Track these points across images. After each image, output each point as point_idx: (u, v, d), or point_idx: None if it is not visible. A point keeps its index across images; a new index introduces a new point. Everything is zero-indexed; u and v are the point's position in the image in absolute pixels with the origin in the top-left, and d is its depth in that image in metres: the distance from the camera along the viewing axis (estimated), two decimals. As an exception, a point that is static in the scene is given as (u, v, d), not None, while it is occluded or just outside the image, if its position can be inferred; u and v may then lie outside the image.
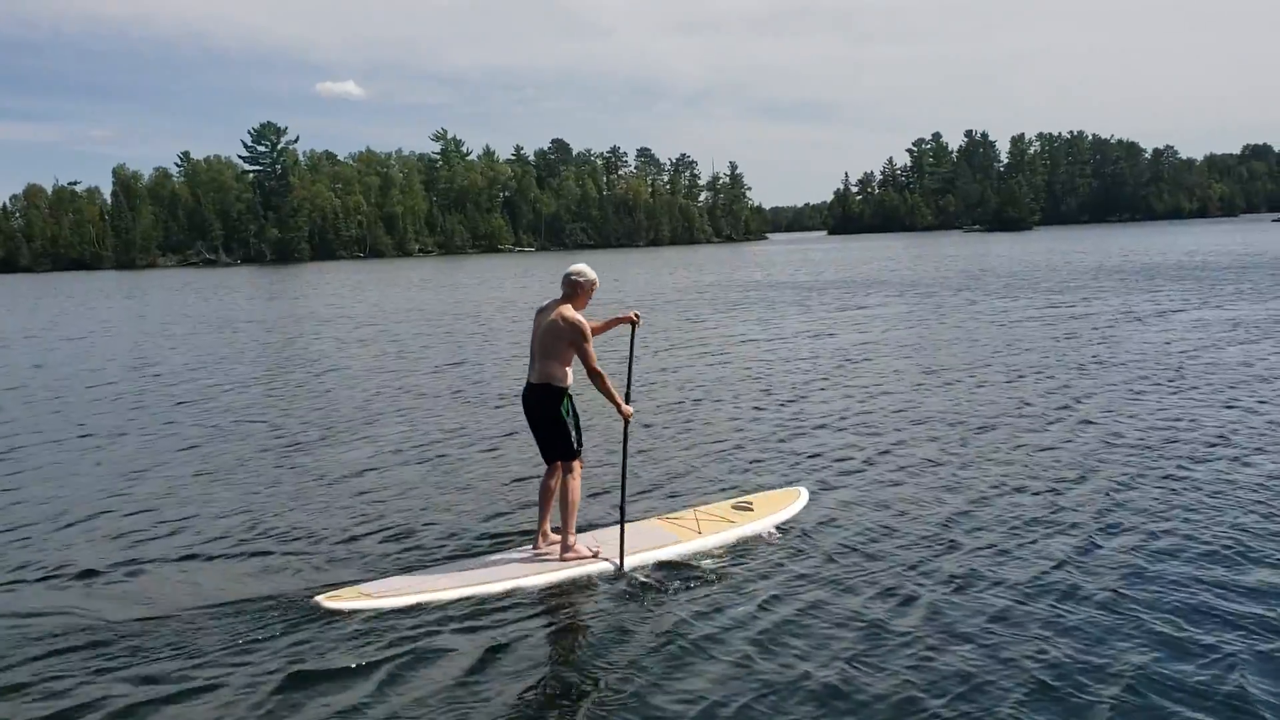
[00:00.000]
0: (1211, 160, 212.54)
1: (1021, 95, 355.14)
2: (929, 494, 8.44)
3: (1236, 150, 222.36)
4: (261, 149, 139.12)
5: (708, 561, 6.88)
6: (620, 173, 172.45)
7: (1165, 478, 8.63)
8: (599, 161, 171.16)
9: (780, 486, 8.52)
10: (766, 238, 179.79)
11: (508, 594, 6.31)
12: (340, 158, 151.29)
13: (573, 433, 6.91)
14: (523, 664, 5.42)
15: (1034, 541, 7.11)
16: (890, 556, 6.87)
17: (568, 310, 6.80)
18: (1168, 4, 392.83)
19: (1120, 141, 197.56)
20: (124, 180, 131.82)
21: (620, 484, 7.01)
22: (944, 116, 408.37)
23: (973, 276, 41.14)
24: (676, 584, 6.49)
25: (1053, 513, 7.76)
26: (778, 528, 7.47)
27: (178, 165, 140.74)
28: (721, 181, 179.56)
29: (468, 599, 6.22)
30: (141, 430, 12.94)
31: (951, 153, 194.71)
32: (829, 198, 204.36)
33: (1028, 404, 12.33)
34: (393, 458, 10.71)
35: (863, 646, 5.44)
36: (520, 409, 7.13)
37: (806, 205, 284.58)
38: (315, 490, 9.35)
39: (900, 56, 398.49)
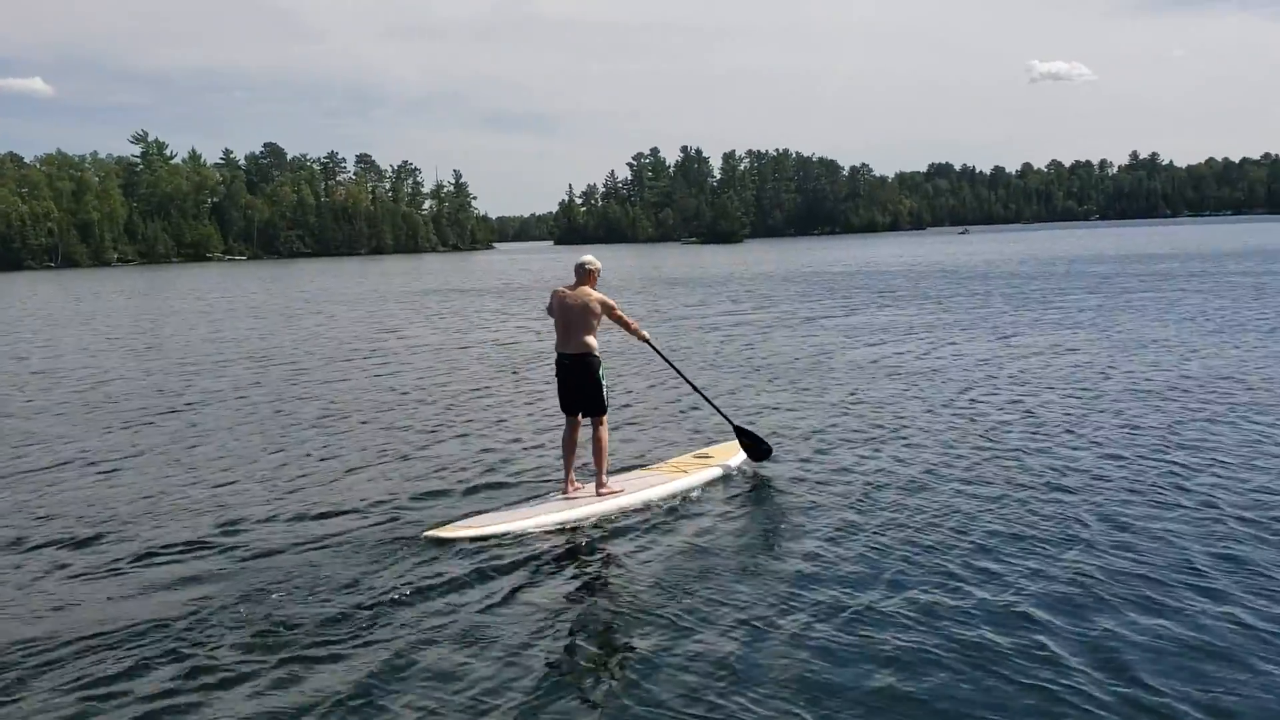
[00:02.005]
0: (902, 177, 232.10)
1: (732, 113, 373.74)
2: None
3: (923, 168, 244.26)
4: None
5: (700, 491, 8.57)
6: (339, 179, 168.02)
7: (790, 479, 9.03)
8: (316, 167, 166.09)
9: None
10: (494, 247, 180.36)
11: (573, 526, 7.63)
12: (26, 160, 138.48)
13: (605, 392, 8.15)
14: (602, 574, 6.77)
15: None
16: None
17: (595, 292, 8.12)
18: (856, 29, 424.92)
19: (821, 159, 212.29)
20: None
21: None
22: (662, 132, 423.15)
23: (676, 284, 43.15)
24: (690, 509, 8.11)
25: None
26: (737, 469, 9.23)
27: None
28: (446, 190, 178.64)
29: (546, 531, 7.52)
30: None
31: (669, 167, 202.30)
32: (555, 208, 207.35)
33: (698, 407, 13.24)
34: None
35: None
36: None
37: (533, 215, 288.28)
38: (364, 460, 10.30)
39: (621, 71, 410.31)
